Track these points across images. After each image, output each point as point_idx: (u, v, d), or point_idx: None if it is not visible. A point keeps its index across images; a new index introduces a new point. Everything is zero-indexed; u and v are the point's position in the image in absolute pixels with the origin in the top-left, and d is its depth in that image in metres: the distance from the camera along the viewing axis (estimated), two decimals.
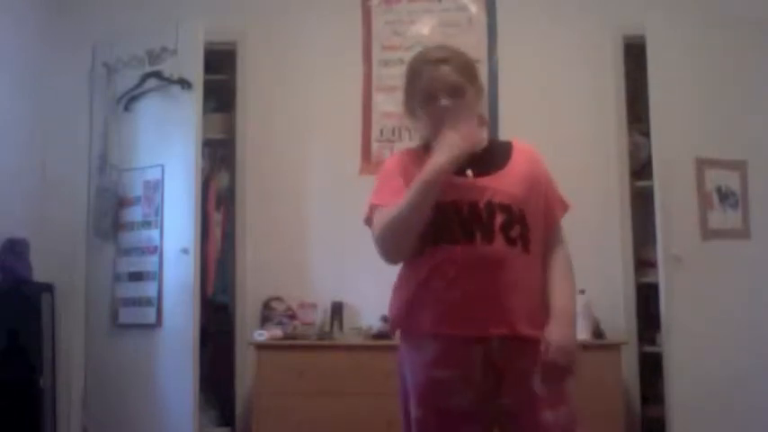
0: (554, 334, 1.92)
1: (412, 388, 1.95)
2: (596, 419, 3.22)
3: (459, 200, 1.92)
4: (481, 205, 1.92)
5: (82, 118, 4.45)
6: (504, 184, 1.96)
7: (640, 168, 4.30)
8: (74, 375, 4.26)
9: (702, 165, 3.99)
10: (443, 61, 2.00)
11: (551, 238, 2.05)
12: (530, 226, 1.95)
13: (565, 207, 2.11)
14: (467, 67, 2.03)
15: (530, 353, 1.90)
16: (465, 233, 1.91)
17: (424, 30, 4.46)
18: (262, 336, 3.97)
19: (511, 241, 1.92)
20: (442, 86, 1.98)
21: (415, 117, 2.06)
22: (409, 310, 1.97)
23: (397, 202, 1.92)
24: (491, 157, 2.02)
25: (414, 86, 2.03)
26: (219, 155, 4.59)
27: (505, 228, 1.91)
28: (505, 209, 1.93)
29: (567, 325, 1.95)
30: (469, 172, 1.96)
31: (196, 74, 4.11)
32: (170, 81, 4.16)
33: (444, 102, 1.97)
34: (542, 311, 1.96)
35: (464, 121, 1.95)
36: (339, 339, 4.04)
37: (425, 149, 1.99)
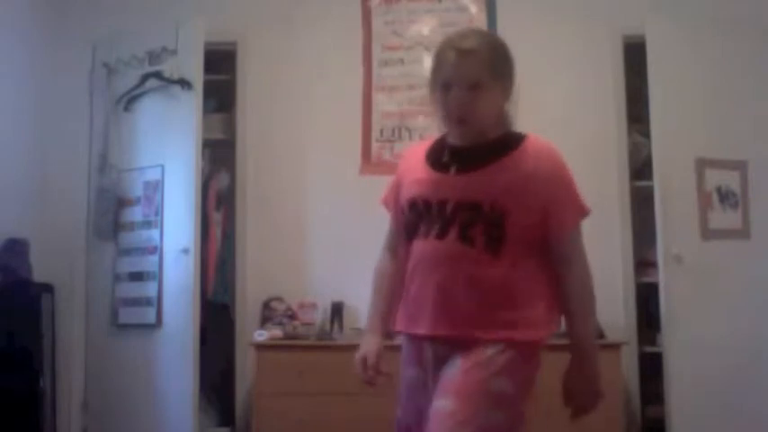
0: (575, 379, 1.89)
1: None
2: (596, 419, 3.22)
3: (431, 196, 1.90)
4: (450, 203, 1.87)
5: (82, 118, 4.45)
6: (481, 182, 1.87)
7: (640, 168, 4.30)
8: (74, 375, 4.26)
9: (702, 165, 3.99)
10: (469, 52, 1.90)
11: (562, 251, 1.92)
12: (506, 228, 1.83)
13: (579, 215, 1.96)
14: (493, 62, 1.93)
15: (472, 348, 1.83)
16: (427, 230, 1.89)
17: (424, 30, 4.46)
18: (262, 336, 3.97)
19: (467, 240, 1.83)
20: (458, 79, 1.89)
21: (433, 102, 1.99)
22: (400, 307, 2.02)
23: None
24: (487, 151, 1.92)
25: (436, 72, 1.95)
26: (219, 155, 4.59)
27: (465, 225, 1.84)
28: (473, 207, 1.84)
29: (587, 363, 1.89)
30: (453, 168, 1.91)
31: (196, 74, 4.11)
32: (170, 81, 4.16)
33: (456, 93, 1.89)
34: (516, 320, 1.85)
35: (472, 116, 1.89)
36: (339, 339, 4.04)
37: (444, 138, 2.00)
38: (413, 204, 1.93)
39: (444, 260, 1.85)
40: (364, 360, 1.98)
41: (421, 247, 1.90)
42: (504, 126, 1.99)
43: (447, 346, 1.85)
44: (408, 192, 1.97)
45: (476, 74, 1.89)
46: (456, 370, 1.81)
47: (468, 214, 1.84)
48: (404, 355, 1.98)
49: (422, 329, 1.89)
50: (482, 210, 1.83)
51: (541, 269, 1.91)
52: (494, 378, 1.79)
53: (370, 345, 2.01)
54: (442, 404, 1.78)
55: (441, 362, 1.86)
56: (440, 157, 1.96)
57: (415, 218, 1.92)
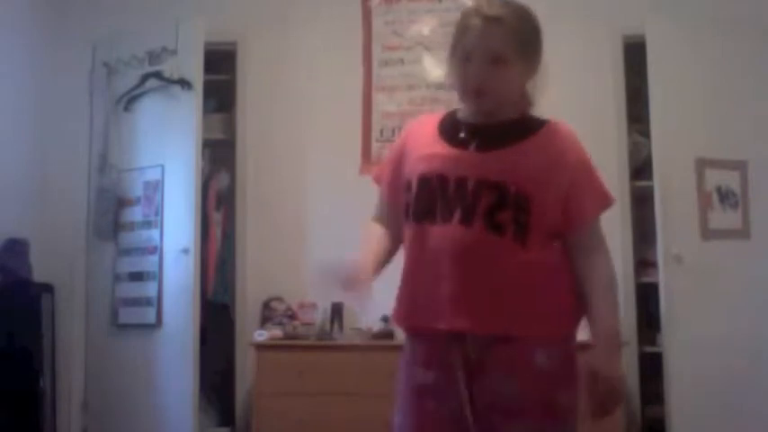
0: (600, 363, 1.68)
1: (397, 390, 1.81)
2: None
3: (450, 173, 1.72)
4: (471, 181, 1.69)
5: (82, 118, 4.45)
6: (504, 162, 1.71)
7: (640, 168, 4.30)
8: (74, 375, 4.26)
9: (702, 165, 3.99)
10: (495, 20, 1.72)
11: (583, 241, 1.76)
12: (533, 215, 1.68)
13: (602, 204, 1.80)
14: (520, 36, 1.75)
15: (516, 353, 1.69)
16: (444, 212, 1.70)
17: (424, 30, 4.46)
18: (262, 336, 3.97)
19: (495, 227, 1.67)
20: (481, 49, 1.72)
21: (451, 73, 1.82)
22: (398, 300, 1.81)
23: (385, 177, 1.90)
24: (506, 132, 1.76)
25: (457, 40, 1.77)
26: (219, 155, 4.59)
27: (491, 210, 1.67)
28: (497, 187, 1.68)
29: (614, 352, 1.73)
30: (473, 144, 1.75)
31: (196, 74, 4.11)
32: (170, 81, 4.16)
33: (477, 65, 1.73)
34: (549, 313, 1.72)
35: (491, 90, 1.74)
36: (339, 339, 4.04)
37: (454, 113, 1.85)
38: (425, 181, 1.74)
39: (472, 249, 1.67)
40: (350, 264, 1.76)
41: (439, 232, 1.70)
42: (524, 107, 1.85)
43: (481, 344, 1.69)
44: (418, 166, 1.77)
45: (500, 46, 1.72)
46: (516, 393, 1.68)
47: (494, 196, 1.67)
48: (411, 356, 1.79)
49: (445, 324, 1.68)
50: (508, 192, 1.68)
51: (564, 260, 1.76)
52: (558, 394, 1.71)
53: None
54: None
55: (473, 363, 1.69)
56: (455, 132, 1.79)
57: (427, 196, 1.73)
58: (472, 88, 1.75)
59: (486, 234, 1.67)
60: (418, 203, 1.75)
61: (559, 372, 1.72)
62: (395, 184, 1.85)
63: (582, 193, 1.76)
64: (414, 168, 1.79)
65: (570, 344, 1.77)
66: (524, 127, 1.79)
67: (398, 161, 1.87)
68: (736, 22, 4.15)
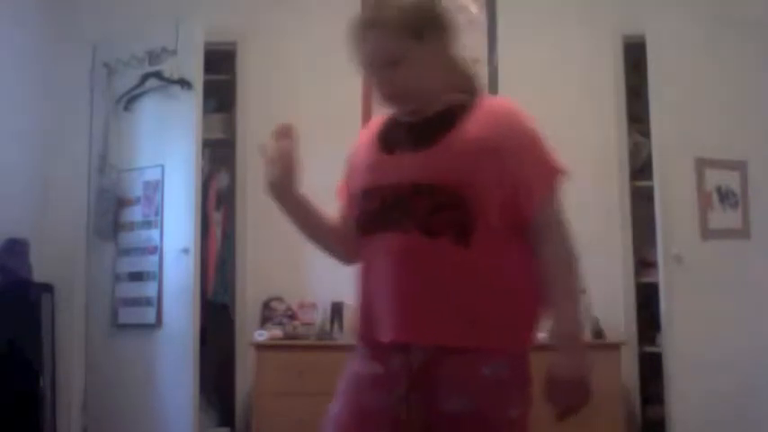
0: (560, 369, 1.59)
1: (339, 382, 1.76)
2: (596, 420, 3.23)
3: (384, 182, 1.65)
4: (404, 188, 1.61)
5: (82, 118, 4.45)
6: (434, 160, 1.61)
7: (640, 168, 4.30)
8: (74, 375, 4.26)
9: (702, 165, 3.99)
10: (371, 25, 1.64)
11: (538, 226, 1.61)
12: (474, 212, 1.57)
13: (550, 181, 1.63)
14: (406, 25, 1.63)
15: (460, 366, 1.58)
16: (384, 222, 1.63)
17: None
18: (262, 336, 3.97)
19: (431, 232, 1.57)
20: (371, 59, 1.65)
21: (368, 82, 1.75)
22: (356, 316, 1.75)
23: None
24: (437, 125, 1.65)
25: (353, 54, 1.69)
26: (219, 155, 4.59)
27: (427, 215, 1.58)
28: (429, 190, 1.58)
29: (575, 351, 1.61)
30: (407, 147, 1.66)
31: (196, 74, 4.11)
32: (170, 81, 4.16)
33: (375, 74, 1.66)
34: (498, 321, 1.60)
35: (401, 93, 1.66)
36: (339, 339, 4.04)
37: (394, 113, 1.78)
38: (366, 193, 1.68)
39: (409, 257, 1.59)
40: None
41: (380, 243, 1.63)
42: (458, 85, 1.72)
43: (426, 356, 1.60)
44: (360, 179, 1.72)
45: (386, 48, 1.63)
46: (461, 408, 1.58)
47: (427, 199, 1.58)
48: (358, 353, 1.73)
49: (386, 337, 1.61)
50: (440, 192, 1.58)
51: (526, 256, 1.63)
52: (502, 412, 1.60)
53: None
54: None
55: (415, 375, 1.60)
56: (390, 135, 1.72)
57: (370, 209, 1.67)
58: (384, 95, 1.69)
59: (421, 240, 1.58)
60: (362, 217, 1.70)
61: (506, 387, 1.60)
62: (349, 198, 1.80)
63: (527, 173, 1.60)
64: (356, 181, 1.74)
65: (522, 355, 1.64)
66: (452, 115, 1.66)
67: (349, 174, 1.82)
68: (737, 22, 4.15)
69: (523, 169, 1.60)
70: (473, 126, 1.63)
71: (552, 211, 1.63)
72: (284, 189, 1.76)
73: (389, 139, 1.72)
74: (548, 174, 1.63)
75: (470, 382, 1.58)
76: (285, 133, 1.75)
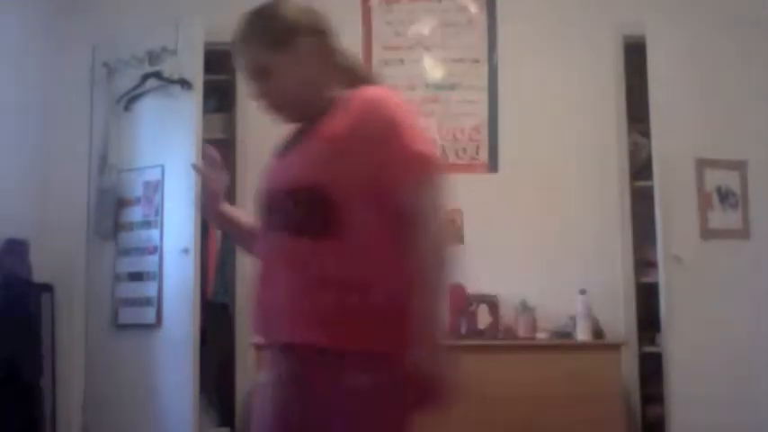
0: (411, 357, 1.51)
1: None
2: (596, 420, 3.23)
3: (264, 187, 1.75)
4: (271, 191, 1.70)
5: (82, 118, 4.45)
6: (292, 163, 1.67)
7: (640, 168, 4.30)
8: (74, 375, 4.26)
9: (702, 165, 3.99)
10: (240, 40, 1.73)
11: (404, 217, 1.54)
12: (335, 208, 1.56)
13: (414, 164, 1.56)
14: (264, 38, 1.69)
15: (330, 366, 1.55)
16: (266, 225, 1.72)
17: (424, 30, 4.46)
18: None
19: (296, 230, 1.60)
20: (246, 73, 1.75)
21: None
22: None
23: None
24: (306, 127, 1.72)
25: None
26: (219, 155, 4.58)
27: (291, 216, 1.61)
28: (292, 191, 1.62)
29: (422, 345, 1.50)
30: (280, 153, 1.78)
31: (196, 74, 4.11)
32: (170, 81, 4.16)
33: (251, 88, 1.76)
34: (363, 321, 1.56)
35: (275, 104, 1.74)
36: None
37: None
38: (256, 198, 1.80)
39: (278, 258, 1.64)
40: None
41: (260, 246, 1.73)
42: (348, 80, 1.74)
43: (296, 357, 1.59)
44: (259, 185, 1.83)
45: (254, 61, 1.71)
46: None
47: (290, 200, 1.62)
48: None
49: (258, 338, 1.73)
50: (299, 193, 1.60)
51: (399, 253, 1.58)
52: (367, 423, 1.54)
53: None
54: None
55: (285, 377, 1.62)
56: (287, 140, 1.81)
57: (258, 213, 1.78)
58: (264, 107, 1.76)
59: (288, 239, 1.62)
60: (257, 221, 1.79)
61: (371, 394, 1.54)
62: None
63: (391, 161, 1.57)
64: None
65: (387, 356, 1.55)
66: (319, 114, 1.68)
67: None
68: (737, 22, 4.15)
69: (387, 158, 1.57)
70: (334, 122, 1.64)
71: (419, 200, 1.55)
72: (212, 211, 1.99)
73: (285, 144, 1.80)
74: (410, 160, 1.57)
75: (329, 387, 1.56)
76: (209, 161, 1.98)
